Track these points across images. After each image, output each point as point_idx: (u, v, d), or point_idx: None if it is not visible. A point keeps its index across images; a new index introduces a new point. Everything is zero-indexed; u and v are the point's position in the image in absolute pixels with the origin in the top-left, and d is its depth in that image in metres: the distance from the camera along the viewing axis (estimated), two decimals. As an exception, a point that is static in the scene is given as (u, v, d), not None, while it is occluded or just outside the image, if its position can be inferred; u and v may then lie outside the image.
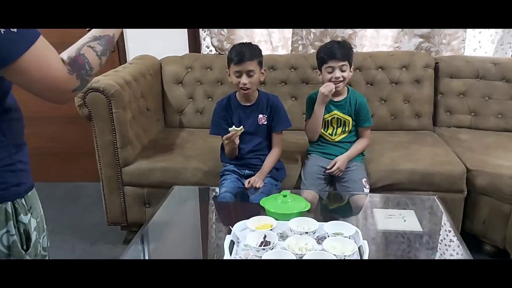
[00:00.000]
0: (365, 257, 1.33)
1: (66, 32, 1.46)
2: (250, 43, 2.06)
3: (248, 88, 1.96)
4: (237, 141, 1.96)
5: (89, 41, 0.96)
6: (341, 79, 2.04)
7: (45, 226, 1.11)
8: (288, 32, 2.91)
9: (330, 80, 2.05)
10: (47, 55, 0.88)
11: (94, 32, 0.98)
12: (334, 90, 2.02)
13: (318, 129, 2.14)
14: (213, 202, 2.05)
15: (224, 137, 1.95)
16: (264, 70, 2.05)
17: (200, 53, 2.99)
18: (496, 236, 2.14)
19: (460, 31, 2.78)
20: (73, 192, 3.10)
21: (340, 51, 2.02)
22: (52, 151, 3.21)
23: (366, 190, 2.06)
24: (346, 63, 2.02)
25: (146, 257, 1.66)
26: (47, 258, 1.11)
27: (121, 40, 2.97)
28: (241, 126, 1.92)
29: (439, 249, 1.65)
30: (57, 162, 3.22)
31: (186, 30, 2.91)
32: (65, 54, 0.94)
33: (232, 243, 1.46)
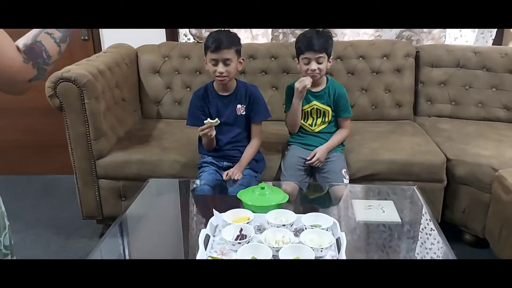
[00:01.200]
0: (343, 249, 1.31)
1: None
2: (228, 30, 1.99)
3: (224, 77, 1.91)
4: (213, 133, 1.91)
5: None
6: (317, 71, 1.99)
7: (7, 224, 1.04)
8: (268, 20, 2.86)
9: (306, 72, 2.01)
10: None
11: None
12: (309, 85, 1.98)
13: (297, 122, 2.10)
14: (190, 195, 2.01)
15: (199, 129, 1.90)
16: (243, 59, 1.99)
17: (177, 41, 2.91)
18: (476, 226, 2.14)
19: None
20: (48, 186, 3.02)
21: (318, 42, 1.96)
22: (27, 144, 3.12)
23: (346, 181, 2.04)
24: (323, 54, 1.97)
25: (121, 251, 1.61)
26: (9, 257, 1.05)
27: (95, 29, 2.88)
28: (216, 119, 1.87)
29: (420, 237, 1.64)
30: (33, 155, 3.14)
31: (163, 18, 2.83)
32: (20, 42, 0.88)
33: (207, 237, 1.42)
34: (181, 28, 2.83)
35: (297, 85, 1.99)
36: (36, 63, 0.87)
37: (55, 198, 2.85)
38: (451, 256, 1.40)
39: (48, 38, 0.89)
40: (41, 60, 0.88)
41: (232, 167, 1.99)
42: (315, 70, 1.98)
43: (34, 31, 0.90)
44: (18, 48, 0.86)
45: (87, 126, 2.13)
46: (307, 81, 1.97)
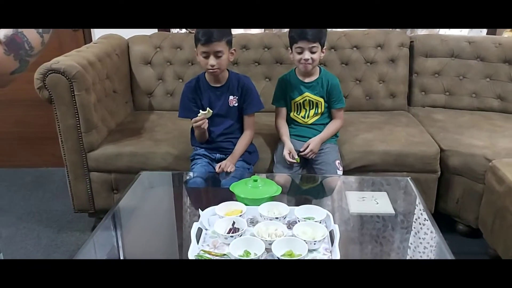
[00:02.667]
0: (336, 241, 1.30)
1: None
2: None
3: (216, 69, 1.88)
4: (206, 125, 1.88)
5: None
6: (310, 61, 1.97)
7: None
8: (261, 10, 2.82)
9: (299, 62, 1.98)
10: None
11: None
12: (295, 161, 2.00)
13: None
14: (183, 187, 1.99)
15: (192, 120, 1.88)
16: (234, 49, 1.96)
17: (169, 32, 2.87)
18: (469, 216, 2.15)
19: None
20: (40, 178, 2.99)
21: (312, 32, 1.93)
22: (18, 136, 3.08)
23: (340, 172, 2.03)
24: (317, 44, 1.95)
25: (113, 244, 1.59)
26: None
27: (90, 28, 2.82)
28: (208, 109, 1.84)
29: (414, 228, 1.64)
30: (23, 147, 3.10)
31: (154, 8, 2.79)
32: (1, 33, 0.84)
33: (200, 231, 1.41)
34: (176, 28, 2.79)
35: (286, 155, 2.01)
36: (18, 55, 0.84)
37: (46, 191, 2.82)
38: (444, 246, 1.40)
39: (30, 29, 0.86)
40: (23, 51, 0.85)
41: (224, 159, 1.97)
42: (308, 60, 1.96)
43: None
44: None
45: (77, 118, 2.09)
46: (292, 160, 2.00)
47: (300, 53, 1.97)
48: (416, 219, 1.68)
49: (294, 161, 1.99)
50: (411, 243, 1.55)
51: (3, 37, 0.83)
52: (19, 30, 0.85)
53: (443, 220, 1.86)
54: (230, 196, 1.61)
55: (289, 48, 2.06)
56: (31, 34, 0.86)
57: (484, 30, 2.82)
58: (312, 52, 1.95)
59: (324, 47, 2.01)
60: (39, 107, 2.89)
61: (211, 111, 1.86)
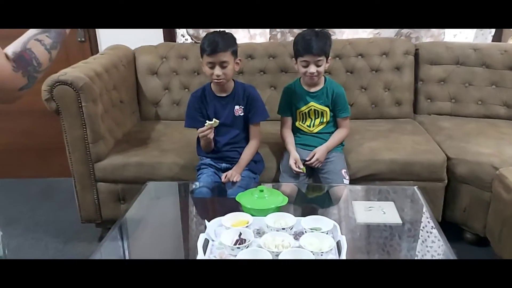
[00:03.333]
0: (343, 252, 1.29)
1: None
2: (224, 31, 1.96)
3: (222, 79, 1.89)
4: (212, 135, 1.89)
5: (37, 34, 0.87)
6: (316, 73, 1.98)
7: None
8: (266, 19, 2.84)
9: (305, 74, 1.99)
10: None
11: None
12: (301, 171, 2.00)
13: None
14: (189, 197, 1.99)
15: (199, 130, 1.88)
16: (239, 59, 1.97)
17: (175, 42, 2.90)
18: (477, 224, 2.13)
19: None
20: (47, 189, 3.00)
21: (317, 45, 1.93)
22: (25, 147, 3.10)
23: (346, 181, 2.02)
24: (322, 57, 1.95)
25: (121, 254, 1.60)
26: None
27: (92, 30, 2.86)
28: (214, 119, 1.85)
29: (420, 237, 1.63)
30: (30, 158, 3.12)
31: (160, 18, 2.81)
32: (9, 49, 0.86)
33: (206, 242, 1.41)
34: (180, 28, 2.81)
35: (292, 165, 2.01)
36: (26, 71, 0.85)
37: (54, 201, 2.83)
38: (451, 255, 1.39)
39: (38, 45, 0.87)
40: (31, 68, 0.86)
41: (230, 168, 1.98)
42: (314, 73, 1.97)
43: (23, 38, 0.87)
44: (7, 56, 0.83)
45: (84, 129, 2.11)
46: (298, 170, 2.00)
47: (305, 66, 1.98)
48: (423, 228, 1.68)
49: (300, 170, 1.99)
50: (418, 252, 1.54)
51: (12, 53, 0.84)
52: (27, 46, 0.86)
53: (450, 229, 1.84)
54: (236, 207, 1.61)
55: (293, 58, 2.07)
56: (39, 51, 0.87)
57: (490, 37, 2.81)
58: (318, 66, 1.96)
59: (330, 57, 2.02)
60: (46, 118, 2.91)
61: (217, 121, 1.87)
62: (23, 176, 3.13)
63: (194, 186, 1.98)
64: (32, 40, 0.86)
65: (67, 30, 0.96)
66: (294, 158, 2.02)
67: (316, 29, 1.99)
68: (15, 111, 2.96)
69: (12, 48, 0.85)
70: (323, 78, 2.09)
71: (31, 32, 0.88)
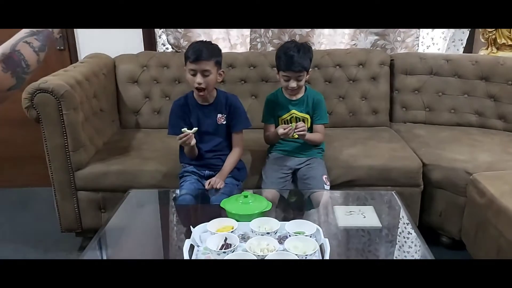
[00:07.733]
0: (327, 255, 1.33)
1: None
2: (209, 42, 2.00)
3: (203, 89, 1.91)
4: (193, 142, 1.90)
5: (25, 36, 0.89)
6: (296, 88, 2.03)
7: None
8: (246, 29, 2.89)
9: (286, 88, 2.05)
10: None
11: None
12: (290, 135, 1.98)
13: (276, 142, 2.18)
14: (172, 204, 2.00)
15: (177, 138, 1.89)
16: (223, 71, 1.99)
17: (156, 50, 2.91)
18: (452, 228, 2.20)
19: (414, 29, 2.85)
20: (25, 198, 2.95)
21: (299, 62, 1.96)
22: (2, 156, 3.03)
23: (327, 187, 2.07)
24: (303, 73, 2.00)
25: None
26: None
27: (72, 38, 2.84)
28: (193, 128, 1.87)
29: (398, 241, 1.69)
30: (8, 166, 3.05)
31: (141, 27, 2.82)
32: None
33: (192, 247, 1.42)
34: (164, 28, 2.78)
35: (280, 131, 1.99)
36: (15, 72, 0.87)
37: (32, 211, 2.78)
38: (429, 256, 1.45)
39: (26, 47, 0.89)
40: (20, 69, 0.88)
41: (214, 175, 1.99)
42: (294, 87, 2.02)
43: (12, 40, 0.89)
44: None
45: (65, 137, 2.10)
46: (289, 133, 1.97)
47: (286, 81, 2.03)
48: (401, 232, 1.73)
49: (290, 126, 1.98)
50: (398, 253, 1.60)
51: (1, 55, 0.86)
52: (16, 48, 0.88)
53: (427, 233, 1.89)
54: (219, 213, 1.63)
55: (274, 68, 2.11)
56: (28, 53, 0.89)
57: (461, 49, 2.93)
58: (299, 80, 2.01)
59: (310, 69, 2.07)
60: (24, 127, 2.86)
61: (196, 128, 1.88)
62: (0, 185, 3.06)
63: (177, 194, 1.99)
64: (21, 42, 0.88)
65: (55, 33, 0.98)
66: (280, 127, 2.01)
67: (298, 43, 2.04)
68: (-9, 119, 2.90)
69: (1, 50, 0.87)
70: (304, 87, 2.14)
71: (20, 34, 0.90)
